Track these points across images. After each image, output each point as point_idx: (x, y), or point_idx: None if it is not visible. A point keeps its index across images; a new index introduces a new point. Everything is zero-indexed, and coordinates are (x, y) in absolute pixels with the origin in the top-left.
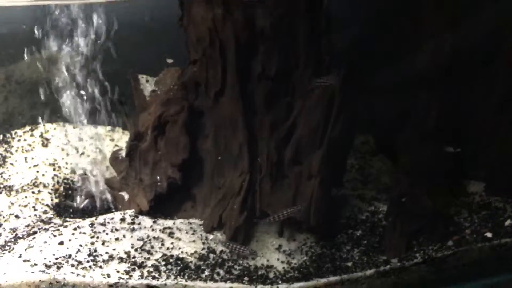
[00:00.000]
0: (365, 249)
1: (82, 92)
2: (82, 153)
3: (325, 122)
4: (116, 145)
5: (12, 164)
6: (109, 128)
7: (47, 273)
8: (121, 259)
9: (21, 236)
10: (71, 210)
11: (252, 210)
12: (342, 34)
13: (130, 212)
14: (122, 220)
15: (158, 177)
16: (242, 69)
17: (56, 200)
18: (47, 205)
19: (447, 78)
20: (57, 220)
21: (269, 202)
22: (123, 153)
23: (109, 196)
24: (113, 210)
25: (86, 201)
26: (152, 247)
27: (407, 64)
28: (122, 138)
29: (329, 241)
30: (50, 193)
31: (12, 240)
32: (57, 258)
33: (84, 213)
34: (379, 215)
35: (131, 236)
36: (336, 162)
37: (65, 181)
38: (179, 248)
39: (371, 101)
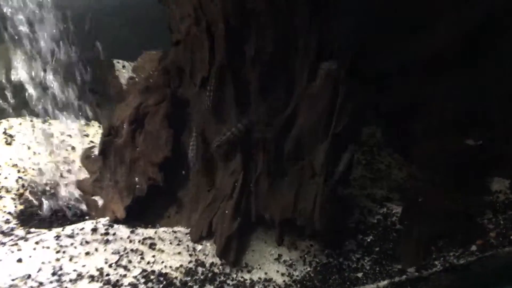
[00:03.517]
0: (377, 257)
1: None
2: (51, 152)
3: (330, 112)
4: (91, 141)
5: None
6: (83, 122)
7: None
8: (92, 278)
9: None
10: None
11: (247, 215)
12: (346, 16)
13: (104, 220)
14: (94, 230)
15: (137, 179)
16: (233, 52)
17: (21, 207)
18: (9, 213)
19: (468, 61)
20: (20, 231)
21: (267, 204)
22: (96, 151)
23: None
24: (87, 217)
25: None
26: (129, 261)
27: (421, 46)
28: (98, 133)
29: (335, 249)
30: (13, 199)
31: None
32: (13, 280)
33: (52, 222)
34: (392, 218)
35: (105, 250)
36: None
37: (31, 184)
38: (162, 262)
39: (378, 89)
